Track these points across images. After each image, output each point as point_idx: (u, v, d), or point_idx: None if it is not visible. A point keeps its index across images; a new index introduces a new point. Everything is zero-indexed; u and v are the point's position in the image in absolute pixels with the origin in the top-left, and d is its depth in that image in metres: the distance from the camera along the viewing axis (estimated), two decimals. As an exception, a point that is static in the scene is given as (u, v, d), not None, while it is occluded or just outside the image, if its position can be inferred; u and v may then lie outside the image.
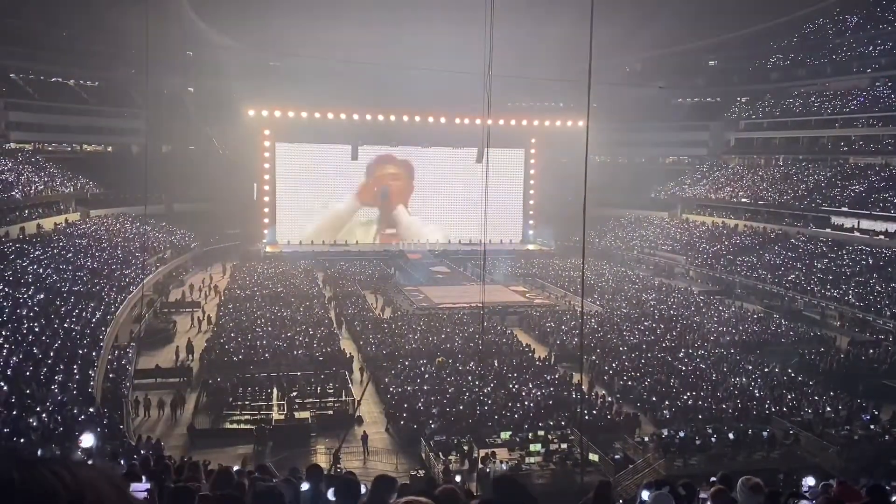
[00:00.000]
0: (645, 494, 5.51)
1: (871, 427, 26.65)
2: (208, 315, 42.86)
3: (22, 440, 19.48)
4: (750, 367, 33.75)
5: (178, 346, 35.70)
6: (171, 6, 66.97)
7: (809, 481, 11.98)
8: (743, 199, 65.95)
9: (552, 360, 35.67)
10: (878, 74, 65.49)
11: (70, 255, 43.73)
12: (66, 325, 31.38)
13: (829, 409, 28.41)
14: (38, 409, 22.18)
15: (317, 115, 66.62)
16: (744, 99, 78.89)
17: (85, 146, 71.91)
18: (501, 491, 3.40)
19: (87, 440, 5.89)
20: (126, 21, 58.92)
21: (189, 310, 45.27)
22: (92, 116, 69.43)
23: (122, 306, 37.24)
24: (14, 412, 21.64)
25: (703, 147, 78.75)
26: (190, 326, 40.82)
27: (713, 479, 9.45)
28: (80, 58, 68.78)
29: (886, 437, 25.68)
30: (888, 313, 40.73)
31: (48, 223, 49.38)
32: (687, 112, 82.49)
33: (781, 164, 70.27)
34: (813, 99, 70.30)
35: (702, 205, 69.97)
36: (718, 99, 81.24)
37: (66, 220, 52.36)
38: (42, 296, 34.21)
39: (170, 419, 27.60)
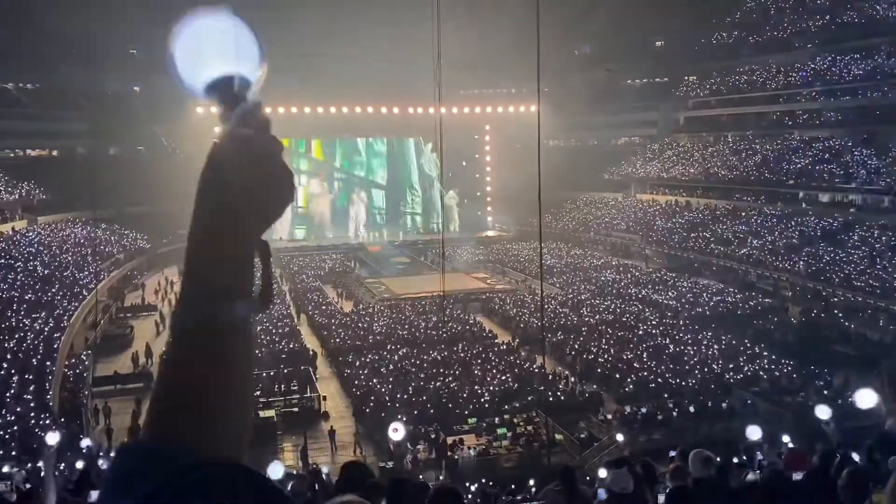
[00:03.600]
0: (603, 472, 5.63)
1: (825, 393, 27.52)
2: (166, 318, 42.17)
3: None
4: (707, 341, 34.56)
5: (136, 351, 35.05)
6: (110, 4, 65.13)
7: (753, 434, 12.29)
8: (695, 177, 67.19)
9: (515, 344, 35.99)
10: (819, 49, 67.10)
11: (19, 263, 42.50)
12: (17, 335, 30.57)
13: (784, 376, 29.28)
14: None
15: (267, 109, 65.46)
16: (691, 78, 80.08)
17: (28, 151, 69.70)
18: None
19: (53, 438, 5.82)
20: (64, 20, 57.26)
21: (146, 314, 44.47)
22: (34, 120, 67.19)
23: (75, 313, 36.38)
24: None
25: (654, 127, 79.83)
26: (154, 332, 39.92)
27: (672, 454, 9.70)
28: (17, 60, 66.50)
29: (839, 401, 26.53)
30: (837, 281, 42.02)
31: (-7, 232, 47.91)
32: (636, 93, 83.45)
33: (730, 140, 71.66)
34: (757, 75, 71.76)
35: (654, 184, 71.07)
36: (666, 79, 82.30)
37: (13, 228, 50.78)
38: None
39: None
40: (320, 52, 67.84)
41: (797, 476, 4.77)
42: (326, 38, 70.59)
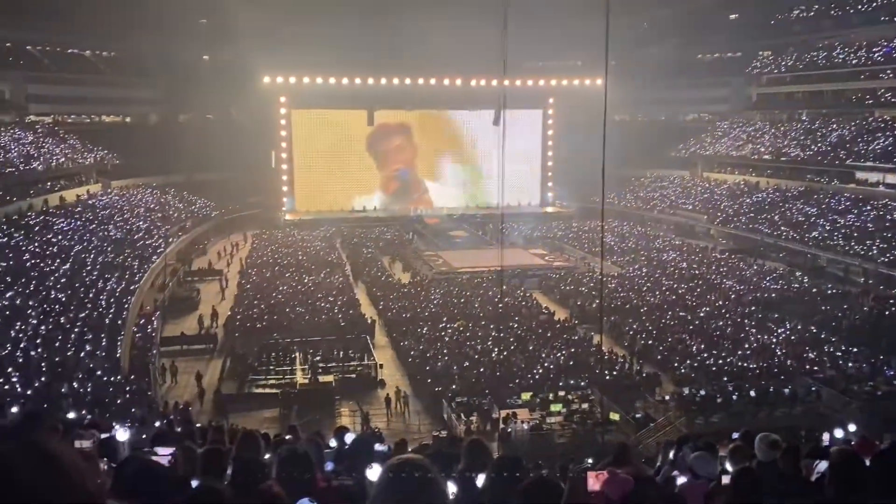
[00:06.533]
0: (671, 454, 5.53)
1: (895, 382, 26.50)
2: (231, 283, 43.39)
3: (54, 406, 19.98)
4: (772, 325, 33.59)
5: (202, 314, 36.22)
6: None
7: (836, 434, 11.89)
8: (765, 156, 64.93)
9: (572, 321, 35.72)
10: (906, 23, 63.58)
11: (93, 226, 44.24)
12: (91, 294, 31.89)
13: (851, 364, 28.29)
14: (69, 376, 22.73)
15: (332, 80, 66.25)
16: (766, 53, 77.02)
17: (104, 117, 72.17)
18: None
19: (122, 435, 5.89)
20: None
21: (212, 278, 45.83)
22: (109, 87, 69.30)
23: (145, 275, 37.72)
24: (46, 379, 22.22)
25: (725, 103, 77.29)
26: (219, 296, 41.16)
27: (735, 435, 9.49)
28: (95, 28, 68.55)
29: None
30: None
31: (70, 195, 49.81)
32: (707, 68, 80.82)
33: (805, 118, 68.87)
34: (838, 51, 68.54)
35: (723, 162, 69.04)
36: (740, 54, 79.38)
37: (88, 192, 52.79)
38: (67, 266, 34.72)
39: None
40: (382, 23, 67.63)
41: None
42: (387, 9, 70.35)
